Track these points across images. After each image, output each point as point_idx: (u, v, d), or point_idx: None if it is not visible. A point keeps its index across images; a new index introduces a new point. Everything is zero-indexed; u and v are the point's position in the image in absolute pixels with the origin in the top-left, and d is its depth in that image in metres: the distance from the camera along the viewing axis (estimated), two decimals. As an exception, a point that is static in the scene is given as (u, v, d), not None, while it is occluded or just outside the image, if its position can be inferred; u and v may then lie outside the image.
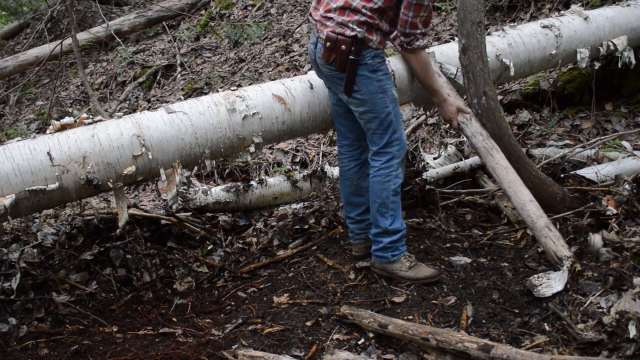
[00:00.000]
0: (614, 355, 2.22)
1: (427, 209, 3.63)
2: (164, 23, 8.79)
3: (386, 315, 2.61)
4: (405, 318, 2.64)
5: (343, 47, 2.79)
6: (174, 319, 2.94)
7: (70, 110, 7.60)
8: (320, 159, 5.28)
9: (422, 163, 4.11)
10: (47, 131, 2.87)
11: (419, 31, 2.81)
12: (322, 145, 5.47)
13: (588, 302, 2.51)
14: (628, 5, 4.29)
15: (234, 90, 3.15)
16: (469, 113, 3.12)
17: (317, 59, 2.93)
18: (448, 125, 3.18)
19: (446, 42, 5.00)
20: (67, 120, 2.90)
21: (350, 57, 2.80)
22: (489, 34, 3.71)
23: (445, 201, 3.65)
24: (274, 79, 5.08)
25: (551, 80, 5.04)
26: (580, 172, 3.59)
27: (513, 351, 2.13)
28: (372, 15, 2.78)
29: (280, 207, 4.08)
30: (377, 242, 2.95)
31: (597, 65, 4.40)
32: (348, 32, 2.78)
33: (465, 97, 3.39)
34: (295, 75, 5.72)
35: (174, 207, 3.93)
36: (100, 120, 2.92)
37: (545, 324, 2.49)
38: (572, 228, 3.07)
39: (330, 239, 3.44)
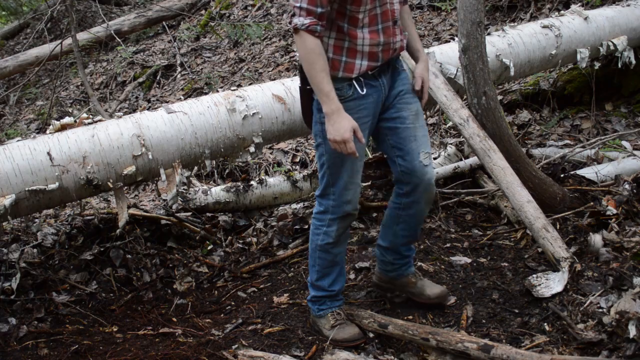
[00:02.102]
0: (614, 355, 2.22)
1: (427, 209, 3.63)
2: (164, 23, 8.79)
3: (386, 316, 2.61)
4: (405, 318, 2.64)
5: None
6: (174, 319, 2.94)
7: (70, 110, 7.60)
8: (320, 159, 5.27)
9: (422, 163, 4.10)
10: (47, 131, 2.87)
11: (297, 4, 2.20)
12: (322, 145, 5.47)
13: (588, 302, 2.51)
14: (628, 5, 4.30)
15: (234, 90, 3.15)
16: (360, 137, 2.29)
17: None
18: (333, 147, 2.27)
19: (446, 42, 5.01)
20: (67, 120, 2.90)
21: (299, 84, 2.43)
22: (489, 34, 3.72)
23: (445, 201, 3.65)
24: (274, 79, 5.08)
25: (551, 80, 5.05)
26: (580, 172, 3.59)
27: (513, 351, 2.13)
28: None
29: (280, 207, 4.08)
30: (309, 289, 2.67)
31: (597, 65, 4.40)
32: None
33: (465, 97, 3.39)
34: (295, 75, 5.72)
35: (174, 207, 3.93)
36: (100, 120, 2.93)
37: (545, 324, 2.49)
38: (572, 228, 3.07)
39: (330, 239, 3.43)
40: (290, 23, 2.25)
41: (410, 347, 2.47)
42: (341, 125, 2.22)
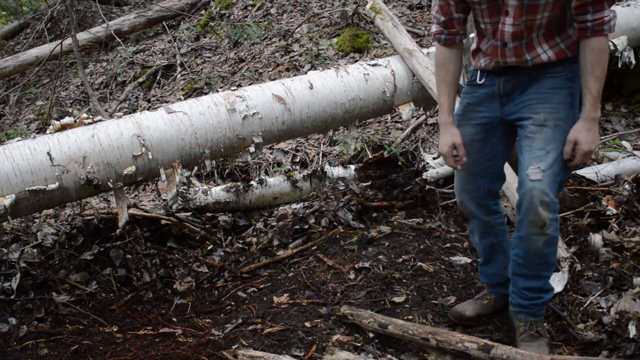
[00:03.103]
0: (614, 355, 2.22)
1: (427, 209, 3.63)
2: (164, 23, 8.78)
3: (386, 316, 2.60)
4: (405, 318, 2.64)
5: None
6: (174, 319, 2.94)
7: (70, 110, 7.60)
8: (320, 159, 5.28)
9: (422, 163, 4.11)
10: (47, 131, 2.87)
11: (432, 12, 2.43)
12: (322, 145, 5.47)
13: (588, 302, 2.51)
14: (628, 5, 4.30)
15: (234, 90, 3.15)
16: (461, 154, 2.38)
17: None
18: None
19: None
20: (67, 120, 2.90)
21: None
22: (489, 34, 3.71)
23: (445, 201, 3.65)
24: (274, 79, 5.08)
25: (551, 80, 5.04)
26: (580, 172, 3.59)
27: (513, 351, 2.13)
28: None
29: (280, 207, 4.08)
30: None
31: (597, 65, 4.39)
32: None
33: (465, 97, 3.38)
34: (295, 75, 5.72)
35: (174, 207, 3.93)
36: (100, 120, 2.93)
37: (545, 324, 2.49)
38: (572, 228, 3.07)
39: (330, 239, 3.44)
40: None
41: (410, 347, 2.47)
42: (443, 139, 2.38)
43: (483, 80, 2.37)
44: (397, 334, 2.45)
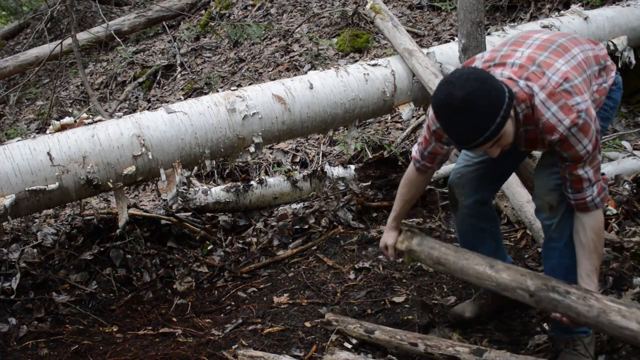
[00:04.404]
0: (614, 355, 2.22)
1: (427, 209, 3.63)
2: (164, 23, 8.78)
3: (387, 316, 2.60)
4: (405, 318, 2.64)
5: None
6: (174, 319, 2.94)
7: (70, 110, 7.60)
8: (320, 159, 5.27)
9: (422, 163, 4.10)
10: (47, 131, 2.87)
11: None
12: (322, 145, 5.47)
13: (588, 302, 2.50)
14: (628, 5, 4.30)
15: (234, 90, 3.15)
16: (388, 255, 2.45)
17: None
18: None
19: (446, 42, 5.01)
20: (67, 120, 2.90)
21: None
22: (489, 34, 3.72)
23: (445, 201, 3.65)
24: (274, 79, 5.08)
25: (551, 80, 5.03)
26: (580, 172, 3.58)
27: (507, 355, 2.08)
28: None
29: (280, 207, 4.08)
30: None
31: (597, 65, 4.39)
32: None
33: (465, 97, 3.38)
34: (295, 75, 5.72)
35: (174, 207, 3.93)
36: (100, 120, 2.93)
37: (546, 324, 2.49)
38: (572, 228, 3.06)
39: (330, 239, 3.44)
40: None
41: (410, 347, 2.46)
42: (382, 238, 2.43)
43: None
44: (384, 340, 2.38)
